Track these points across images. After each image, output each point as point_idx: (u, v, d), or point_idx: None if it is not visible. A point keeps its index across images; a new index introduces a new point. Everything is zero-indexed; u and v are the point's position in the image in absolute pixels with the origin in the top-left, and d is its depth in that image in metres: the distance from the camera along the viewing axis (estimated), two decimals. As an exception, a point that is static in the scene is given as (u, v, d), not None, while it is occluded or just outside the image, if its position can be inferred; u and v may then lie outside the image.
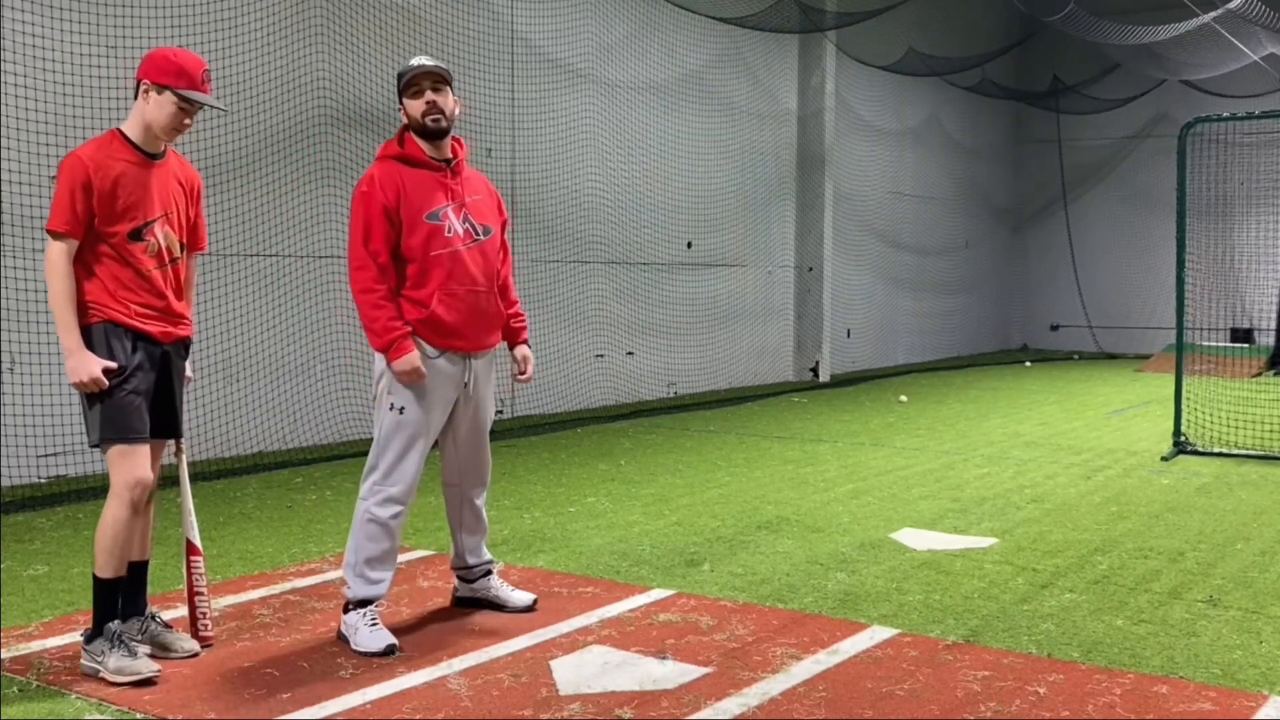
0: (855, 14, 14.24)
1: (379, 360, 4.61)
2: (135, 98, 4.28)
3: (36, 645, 4.52)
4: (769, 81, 15.05)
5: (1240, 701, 4.02)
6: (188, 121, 4.27)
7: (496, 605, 4.98)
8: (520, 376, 5.00)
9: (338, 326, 9.53)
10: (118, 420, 4.15)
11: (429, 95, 4.54)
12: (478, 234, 4.66)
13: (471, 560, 5.00)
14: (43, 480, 7.53)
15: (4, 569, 5.68)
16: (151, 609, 4.49)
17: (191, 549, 4.52)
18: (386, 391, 4.58)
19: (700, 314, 13.97)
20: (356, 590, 4.56)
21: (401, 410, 4.54)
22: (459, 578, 5.06)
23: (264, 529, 6.62)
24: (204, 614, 4.53)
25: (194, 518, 4.57)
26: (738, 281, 14.67)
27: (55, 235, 4.11)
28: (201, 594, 4.52)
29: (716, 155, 14.12)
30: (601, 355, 12.48)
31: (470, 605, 5.02)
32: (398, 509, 4.59)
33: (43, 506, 7.02)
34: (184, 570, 4.57)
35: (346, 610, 4.58)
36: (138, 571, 4.43)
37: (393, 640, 4.46)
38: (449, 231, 4.57)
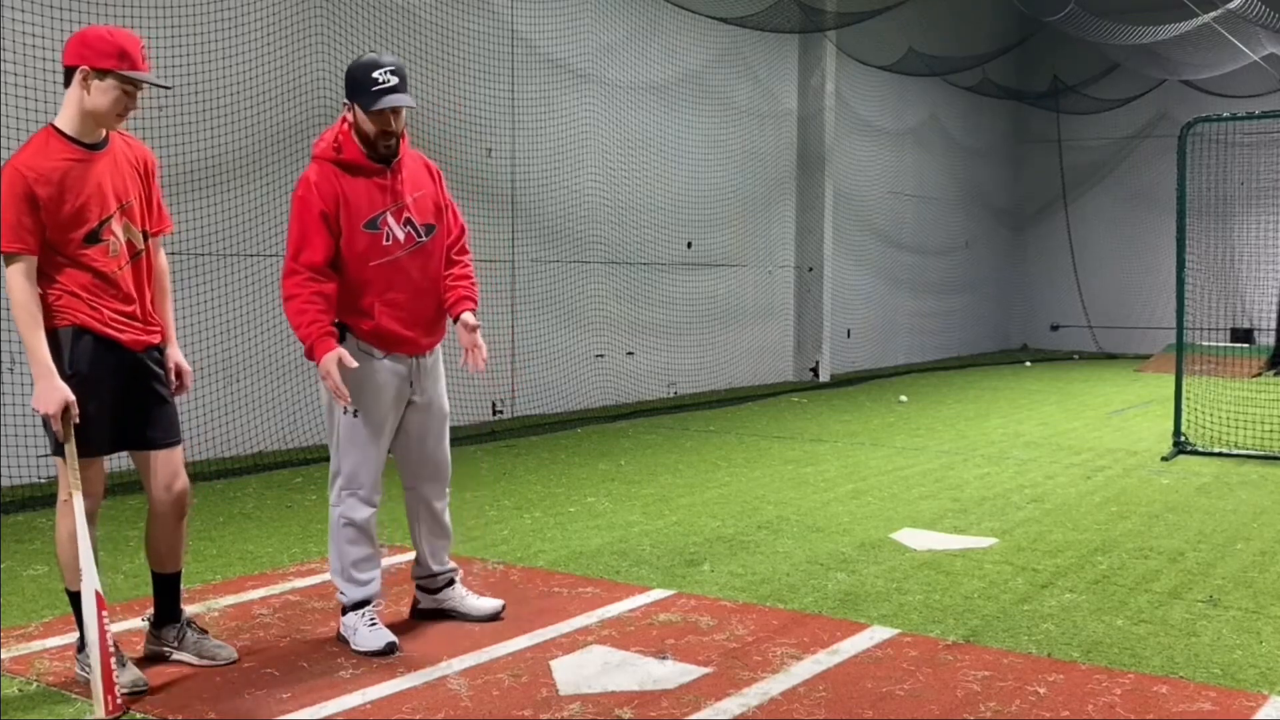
0: (855, 14, 14.24)
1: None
2: (66, 86, 3.92)
3: (36, 645, 4.52)
4: (769, 81, 15.04)
5: (1240, 701, 4.02)
6: (132, 105, 3.95)
7: (460, 616, 4.82)
8: (471, 357, 4.59)
9: (338, 326, 9.52)
10: (74, 433, 3.89)
11: (391, 124, 4.40)
12: (419, 235, 4.54)
13: (435, 567, 4.83)
14: (43, 480, 7.52)
15: (4, 569, 5.68)
16: (187, 615, 4.38)
17: (100, 602, 3.86)
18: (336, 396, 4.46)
19: (700, 314, 13.97)
20: (349, 594, 4.54)
21: (355, 414, 4.47)
22: (420, 588, 4.89)
23: (264, 529, 6.62)
24: (118, 677, 3.86)
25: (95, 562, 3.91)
26: (738, 281, 14.67)
27: (9, 257, 3.79)
28: (115, 654, 3.90)
29: (716, 155, 14.12)
30: (601, 355, 12.47)
31: (431, 618, 4.84)
32: (369, 511, 4.56)
33: (43, 506, 7.00)
34: (96, 625, 3.82)
35: (345, 613, 4.57)
36: (169, 583, 4.30)
37: (392, 638, 4.46)
38: (387, 239, 4.45)
